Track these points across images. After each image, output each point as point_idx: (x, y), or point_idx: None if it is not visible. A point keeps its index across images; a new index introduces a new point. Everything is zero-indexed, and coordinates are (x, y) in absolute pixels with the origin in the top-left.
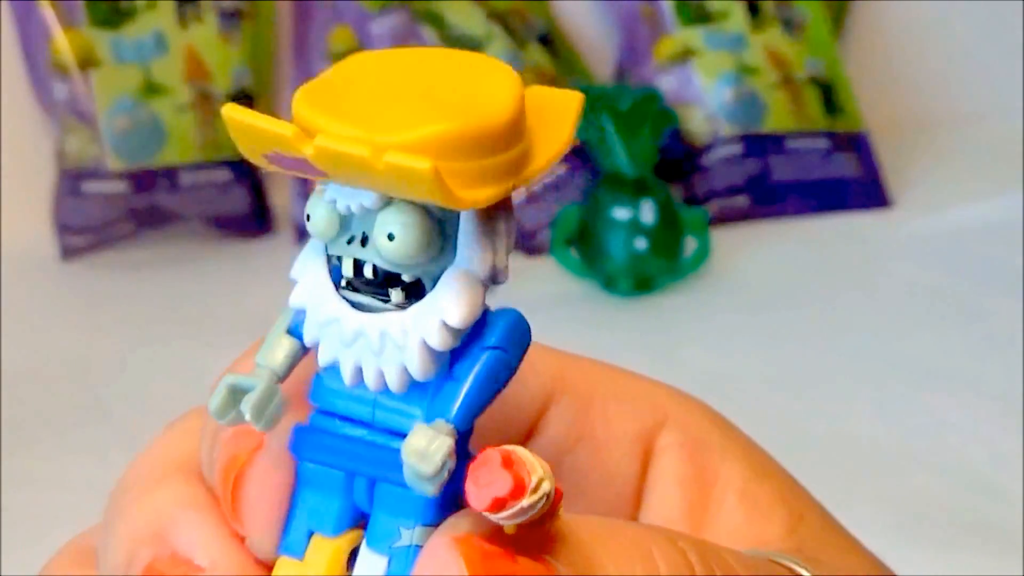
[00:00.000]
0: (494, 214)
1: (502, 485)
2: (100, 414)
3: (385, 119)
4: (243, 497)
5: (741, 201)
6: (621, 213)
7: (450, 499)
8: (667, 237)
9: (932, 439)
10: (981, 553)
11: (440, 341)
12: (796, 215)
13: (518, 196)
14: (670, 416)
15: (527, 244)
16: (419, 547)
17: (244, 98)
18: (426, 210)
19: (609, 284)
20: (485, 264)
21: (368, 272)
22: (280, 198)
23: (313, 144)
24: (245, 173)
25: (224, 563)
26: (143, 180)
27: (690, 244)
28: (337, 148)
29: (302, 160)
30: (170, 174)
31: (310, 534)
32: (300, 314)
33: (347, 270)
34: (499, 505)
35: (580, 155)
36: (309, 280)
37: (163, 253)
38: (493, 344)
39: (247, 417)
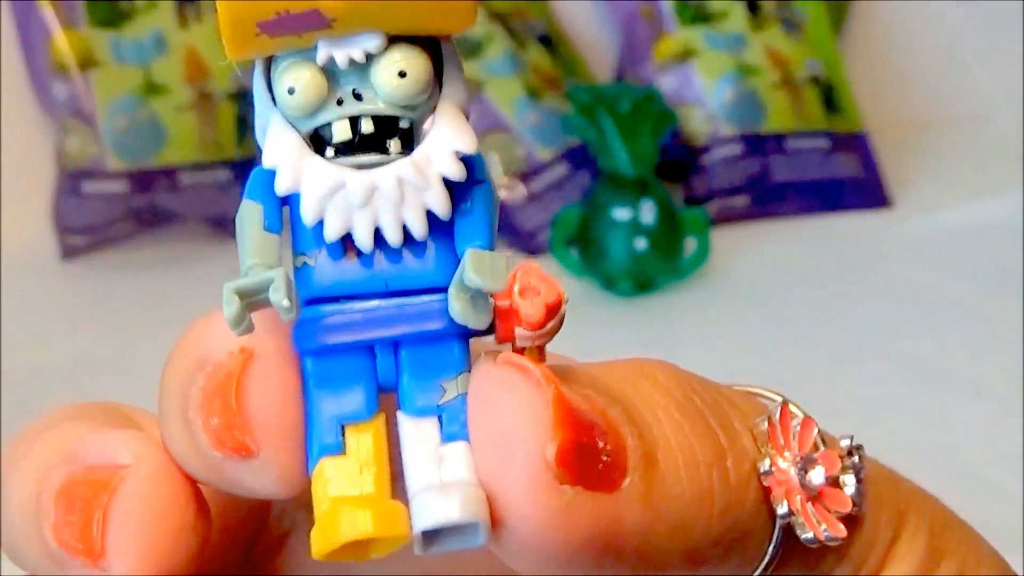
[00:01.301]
0: (455, 47)
1: (550, 291)
2: None
3: None
4: (249, 407)
5: (741, 201)
6: (621, 213)
7: (467, 347)
8: (667, 237)
9: (932, 439)
10: None
11: (457, 171)
12: (796, 215)
13: (518, 198)
14: (912, 499)
15: (527, 244)
16: (466, 394)
17: (245, 97)
18: (422, 46)
19: (609, 284)
20: (466, 94)
21: (367, 126)
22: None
23: None
24: (245, 173)
25: (150, 456)
26: (143, 180)
27: (690, 244)
28: None
29: (313, 14)
30: (170, 174)
31: (341, 427)
32: (274, 208)
33: (342, 133)
34: (552, 312)
35: (580, 155)
36: (292, 160)
37: (163, 253)
38: (481, 177)
39: (284, 303)
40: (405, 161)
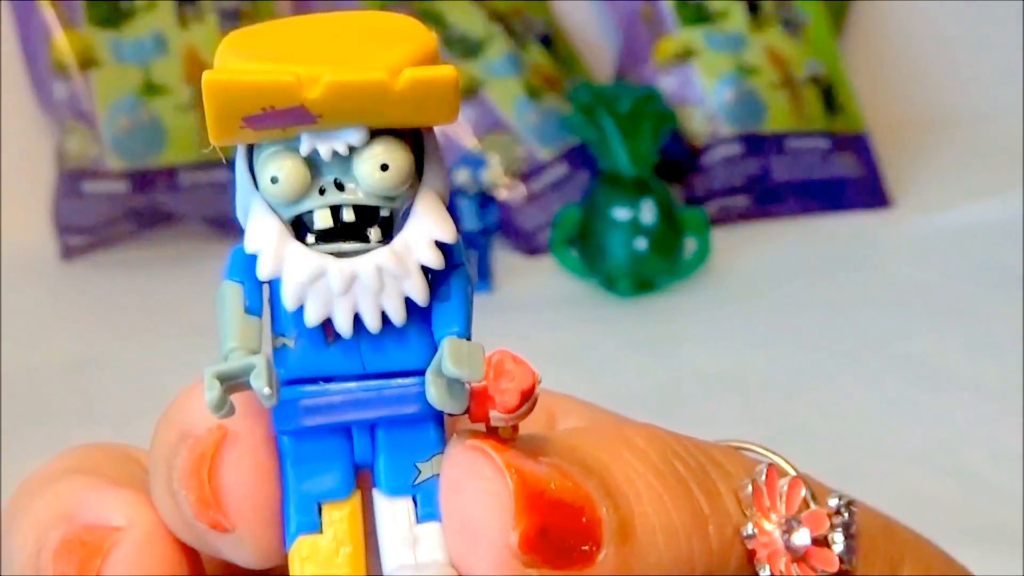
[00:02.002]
0: (435, 137)
1: (524, 376)
2: (100, 414)
3: (350, 55)
4: (221, 487)
5: (741, 201)
6: (621, 213)
7: (442, 428)
8: (667, 237)
9: (932, 439)
10: (981, 553)
11: (436, 260)
12: (796, 215)
13: (518, 198)
14: (907, 550)
15: (527, 244)
16: (438, 476)
17: None
18: (403, 139)
19: (609, 284)
20: (446, 182)
21: (348, 215)
22: None
23: (323, 82)
24: None
25: (142, 520)
26: (143, 180)
27: (690, 244)
28: (353, 79)
29: (297, 110)
30: (170, 174)
31: (318, 506)
32: (255, 291)
33: (323, 221)
34: (525, 397)
35: (580, 155)
36: (274, 247)
37: (163, 253)
38: (459, 262)
39: (265, 391)
40: (384, 250)
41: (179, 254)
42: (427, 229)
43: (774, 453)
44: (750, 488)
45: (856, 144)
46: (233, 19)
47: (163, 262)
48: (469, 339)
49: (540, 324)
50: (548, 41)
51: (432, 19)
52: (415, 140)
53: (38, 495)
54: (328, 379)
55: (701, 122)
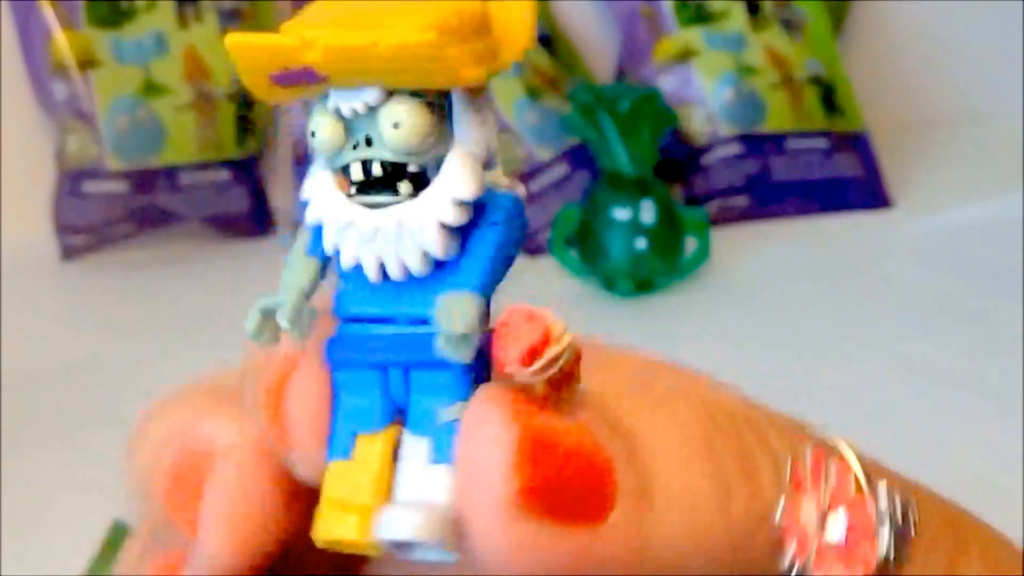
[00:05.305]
0: (481, 99)
1: (531, 335)
2: (100, 414)
3: (374, 20)
4: (286, 413)
5: (741, 201)
6: (621, 213)
7: (480, 377)
8: (667, 237)
9: (932, 439)
10: None
11: (453, 217)
12: (796, 215)
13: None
14: (973, 544)
15: (527, 244)
16: (458, 421)
17: (244, 97)
18: (423, 98)
19: (609, 284)
20: (481, 144)
21: (376, 170)
22: (280, 198)
23: (320, 45)
24: (245, 173)
25: (244, 442)
26: (143, 180)
27: (690, 244)
28: (340, 42)
29: (307, 71)
30: (170, 174)
31: (354, 435)
32: (316, 234)
33: (356, 174)
34: (531, 355)
35: (580, 155)
36: (319, 195)
37: (163, 253)
38: (496, 220)
39: (284, 326)
40: (408, 205)
41: (179, 254)
42: (449, 188)
43: (833, 441)
44: (788, 470)
45: (856, 144)
46: (233, 19)
47: (163, 262)
48: (485, 294)
49: None
50: (548, 41)
51: None
52: (449, 99)
53: (161, 416)
54: (374, 320)
55: (701, 122)
